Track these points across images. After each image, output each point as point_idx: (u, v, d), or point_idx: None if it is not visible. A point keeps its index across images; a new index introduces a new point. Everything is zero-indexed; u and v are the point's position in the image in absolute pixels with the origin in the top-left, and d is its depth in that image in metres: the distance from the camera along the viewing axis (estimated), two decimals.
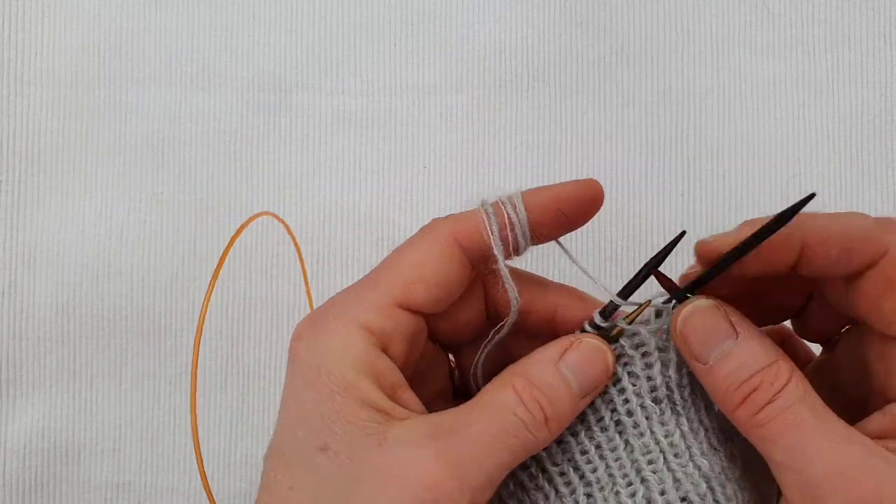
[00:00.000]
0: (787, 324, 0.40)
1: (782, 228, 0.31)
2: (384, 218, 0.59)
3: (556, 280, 0.40)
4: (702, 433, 0.34)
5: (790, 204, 0.30)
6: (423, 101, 0.59)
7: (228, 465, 0.58)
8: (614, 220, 0.58)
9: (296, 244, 0.55)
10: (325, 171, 0.59)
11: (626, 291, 0.35)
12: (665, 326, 0.35)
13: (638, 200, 0.58)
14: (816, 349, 0.40)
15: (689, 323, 0.33)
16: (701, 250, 0.35)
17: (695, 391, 0.35)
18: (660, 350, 0.35)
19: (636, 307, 0.35)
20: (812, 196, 0.30)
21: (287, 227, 0.55)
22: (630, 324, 0.35)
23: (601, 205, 0.36)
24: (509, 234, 0.35)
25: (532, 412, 0.32)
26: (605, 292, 0.36)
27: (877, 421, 0.32)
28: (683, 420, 0.34)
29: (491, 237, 0.34)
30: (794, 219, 0.31)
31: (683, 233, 0.35)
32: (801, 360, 0.39)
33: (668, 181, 0.59)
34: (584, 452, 0.35)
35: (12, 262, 0.58)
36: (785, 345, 0.39)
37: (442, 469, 0.30)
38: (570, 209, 0.36)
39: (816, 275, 0.33)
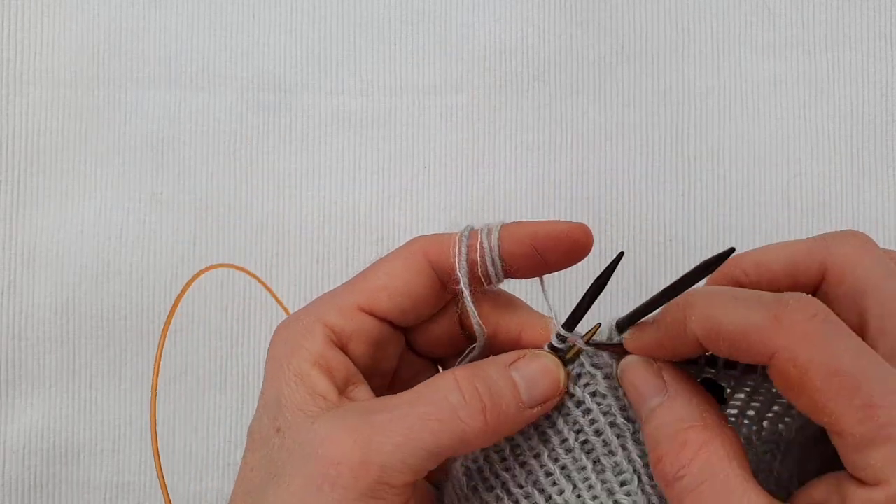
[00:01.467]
0: None
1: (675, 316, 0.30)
2: (384, 218, 0.59)
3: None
4: None
5: (720, 252, 0.29)
6: (423, 101, 0.59)
7: (228, 465, 0.58)
8: (614, 220, 0.58)
9: (267, 288, 0.56)
10: (325, 171, 0.59)
11: (571, 322, 0.35)
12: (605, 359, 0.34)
13: (638, 200, 0.58)
14: None
15: (625, 378, 0.33)
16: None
17: None
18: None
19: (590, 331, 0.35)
20: (732, 251, 0.29)
21: (253, 275, 0.56)
22: (587, 344, 0.34)
23: (587, 251, 0.36)
24: (478, 259, 0.35)
25: (467, 396, 0.32)
26: (557, 326, 0.35)
27: (821, 493, 0.29)
28: None
29: (457, 260, 0.35)
30: (686, 311, 0.30)
31: (621, 254, 0.33)
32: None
33: (668, 181, 0.59)
34: (548, 474, 0.34)
35: (12, 262, 0.58)
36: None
37: (350, 444, 0.31)
38: (546, 248, 0.35)
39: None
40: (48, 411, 0.58)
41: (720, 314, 0.29)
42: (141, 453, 0.58)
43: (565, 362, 0.35)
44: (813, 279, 0.32)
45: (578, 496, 0.34)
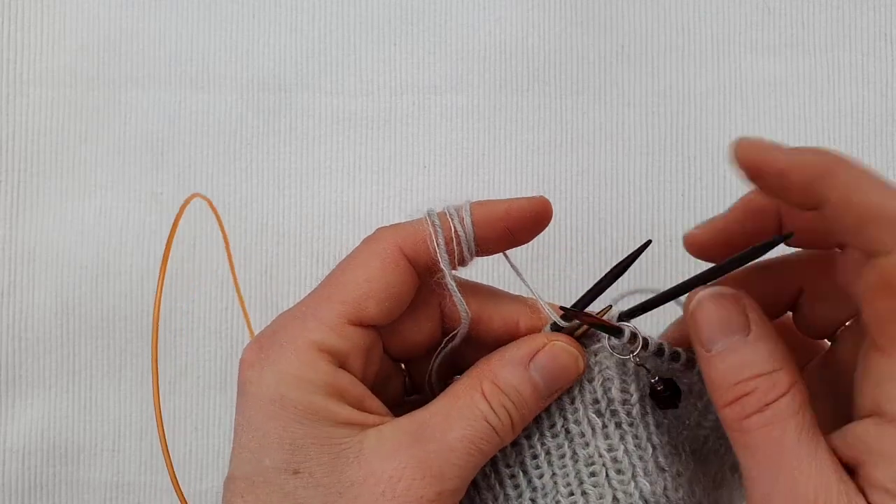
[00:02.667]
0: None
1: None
2: (384, 218, 0.59)
3: (514, 286, 0.40)
4: (649, 451, 0.34)
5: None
6: (424, 101, 0.59)
7: (228, 465, 0.58)
8: (614, 220, 0.58)
9: (221, 226, 0.56)
10: (325, 171, 0.59)
11: (585, 301, 0.35)
12: (607, 344, 0.35)
13: (638, 200, 0.58)
14: None
15: (702, 307, 0.32)
16: (689, 243, 0.35)
17: (645, 409, 0.35)
18: (603, 369, 0.35)
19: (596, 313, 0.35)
20: (791, 235, 0.30)
21: (214, 209, 0.55)
22: (588, 329, 0.35)
23: (548, 223, 0.36)
24: (455, 247, 0.35)
25: (501, 418, 0.33)
26: (548, 310, 0.36)
27: (839, 443, 0.31)
28: (629, 438, 0.34)
29: (438, 250, 0.35)
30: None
31: (649, 241, 0.35)
32: (807, 353, 0.39)
33: (668, 181, 0.59)
34: (534, 457, 0.35)
35: (12, 262, 0.58)
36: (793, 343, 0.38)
37: (429, 479, 0.31)
38: (517, 227, 0.35)
39: (802, 242, 0.32)
40: (48, 411, 0.58)
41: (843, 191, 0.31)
42: (141, 453, 0.58)
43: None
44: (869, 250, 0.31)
45: (554, 482, 0.35)
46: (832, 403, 0.33)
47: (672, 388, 0.35)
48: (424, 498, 0.31)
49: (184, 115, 0.59)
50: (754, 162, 0.32)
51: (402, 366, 0.41)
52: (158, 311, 0.48)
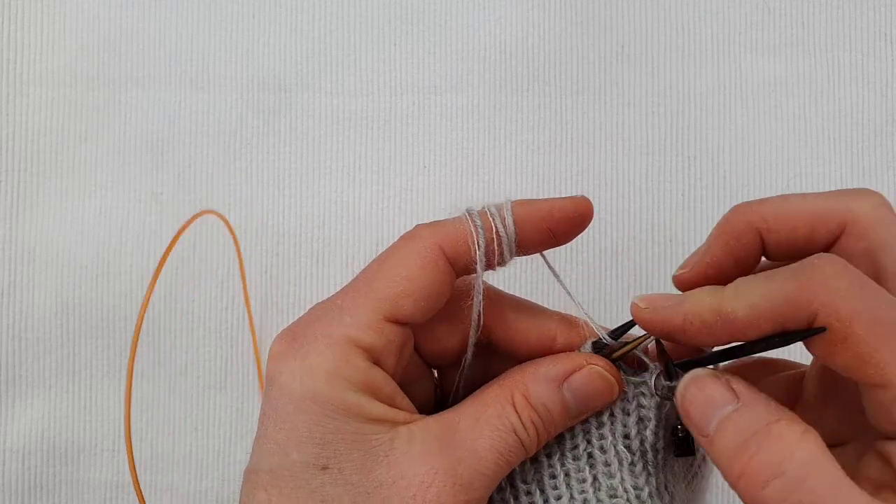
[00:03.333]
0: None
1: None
2: (384, 218, 0.59)
3: (542, 291, 0.39)
4: (666, 499, 0.34)
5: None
6: (424, 101, 0.59)
7: (228, 465, 0.58)
8: (615, 220, 0.58)
9: (236, 243, 0.56)
10: (325, 171, 0.59)
11: (619, 331, 0.35)
12: (652, 384, 0.34)
13: (638, 200, 0.58)
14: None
15: (688, 393, 0.32)
16: (678, 283, 0.35)
17: (667, 458, 0.35)
18: (639, 405, 0.34)
19: (632, 340, 0.35)
20: (823, 330, 0.28)
21: (229, 226, 0.55)
22: (617, 357, 0.34)
23: (589, 222, 0.35)
24: (496, 247, 0.34)
25: (529, 431, 0.33)
26: (585, 315, 0.36)
27: (875, 466, 0.30)
28: (653, 480, 0.34)
29: (477, 251, 0.34)
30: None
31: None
32: (790, 382, 0.38)
33: (668, 181, 0.59)
34: (553, 477, 0.35)
35: (12, 262, 0.58)
36: (769, 369, 0.38)
37: (458, 486, 0.31)
38: (560, 227, 0.35)
39: (786, 257, 0.32)
40: (48, 411, 0.58)
41: (758, 295, 0.29)
42: (141, 453, 0.58)
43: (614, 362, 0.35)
44: (832, 233, 0.31)
45: (571, 499, 0.34)
46: (829, 410, 0.33)
47: (685, 443, 0.35)
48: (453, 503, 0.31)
49: (184, 115, 0.59)
50: (656, 324, 0.32)
51: (435, 374, 0.40)
52: (143, 316, 0.48)
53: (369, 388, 0.33)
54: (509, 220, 0.34)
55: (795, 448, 0.27)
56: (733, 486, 0.29)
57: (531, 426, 0.33)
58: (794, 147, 0.59)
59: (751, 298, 0.29)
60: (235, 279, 0.58)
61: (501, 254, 0.34)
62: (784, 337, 0.29)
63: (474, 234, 0.34)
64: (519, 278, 0.57)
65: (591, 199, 0.58)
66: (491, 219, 0.34)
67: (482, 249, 0.34)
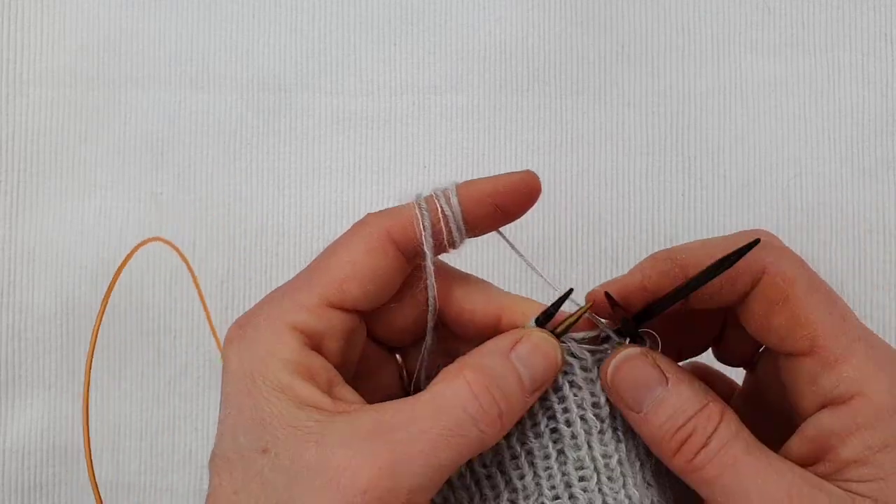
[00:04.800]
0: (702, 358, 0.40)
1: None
2: None
3: (515, 273, 0.39)
4: (638, 465, 0.34)
5: (740, 248, 0.31)
6: (424, 101, 0.59)
7: None
8: (614, 220, 0.58)
9: (189, 269, 0.54)
10: (325, 171, 0.59)
11: (555, 306, 0.35)
12: (609, 349, 0.34)
13: (638, 200, 0.58)
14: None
15: (619, 373, 0.33)
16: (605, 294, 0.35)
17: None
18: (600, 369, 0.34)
19: (576, 313, 0.35)
20: (757, 242, 0.31)
21: (180, 252, 0.53)
22: (571, 324, 0.34)
23: (538, 197, 0.35)
24: (443, 228, 0.34)
25: (485, 406, 0.31)
26: (548, 284, 0.36)
27: (797, 444, 0.32)
28: (622, 447, 0.34)
29: (423, 234, 0.34)
30: (673, 254, 0.32)
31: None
32: (724, 391, 0.40)
33: (668, 181, 0.59)
34: (514, 457, 0.34)
35: (12, 262, 0.58)
36: (707, 379, 0.39)
37: (376, 471, 0.29)
38: (506, 203, 0.35)
39: (709, 306, 0.33)
40: (48, 411, 0.58)
41: (711, 251, 0.31)
42: (141, 453, 0.58)
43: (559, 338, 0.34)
44: (751, 278, 0.32)
45: (537, 483, 0.34)
46: (766, 423, 0.34)
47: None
48: (370, 493, 0.29)
49: (184, 115, 0.59)
50: (619, 292, 0.34)
51: (399, 359, 0.40)
52: (101, 319, 0.47)
53: (305, 371, 0.32)
54: (454, 201, 0.34)
55: (720, 421, 0.31)
56: (667, 460, 0.32)
57: (487, 395, 0.31)
58: (794, 147, 0.59)
59: (705, 251, 0.32)
60: (235, 278, 0.58)
61: (451, 234, 0.34)
62: (727, 260, 0.31)
63: (419, 217, 0.34)
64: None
65: (590, 199, 0.59)
66: (437, 201, 0.34)
67: (428, 231, 0.34)
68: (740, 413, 0.33)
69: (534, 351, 0.33)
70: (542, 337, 0.34)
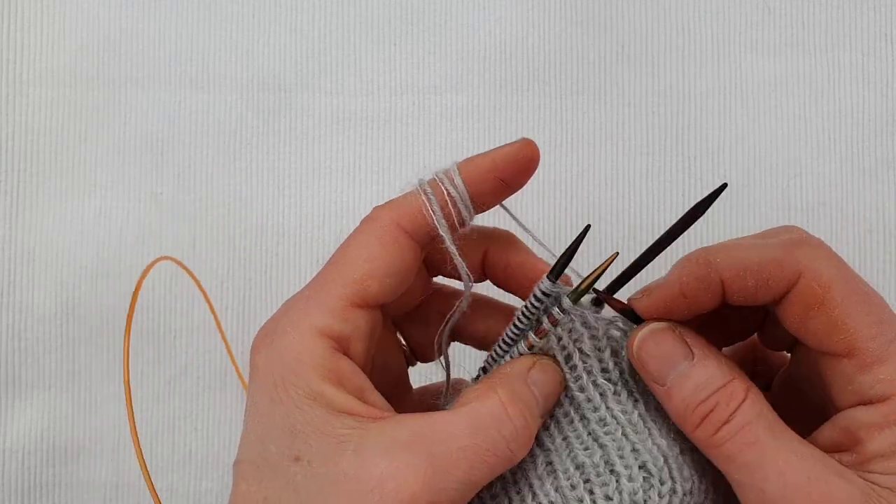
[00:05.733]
0: None
1: (698, 255, 0.32)
2: None
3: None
4: (661, 420, 0.34)
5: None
6: (424, 101, 0.59)
7: (228, 465, 0.58)
8: (614, 220, 0.58)
9: (201, 289, 0.54)
10: (324, 171, 0.59)
11: (554, 275, 0.35)
12: (621, 325, 0.35)
13: (638, 200, 0.58)
14: None
15: (646, 346, 0.33)
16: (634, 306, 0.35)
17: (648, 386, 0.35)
18: (609, 338, 0.35)
19: (583, 277, 0.35)
20: (724, 186, 0.31)
21: (191, 273, 0.54)
22: (583, 292, 0.35)
23: (538, 164, 0.36)
24: (452, 209, 0.35)
25: (518, 428, 0.32)
26: (553, 256, 0.37)
27: (827, 432, 0.32)
28: (641, 405, 0.35)
29: (434, 218, 0.34)
30: (709, 257, 0.32)
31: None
32: (774, 368, 0.40)
33: (668, 181, 0.59)
34: (545, 427, 0.35)
35: (12, 262, 0.58)
36: (758, 356, 0.40)
37: (421, 483, 0.30)
38: (508, 175, 0.36)
39: (746, 304, 0.33)
40: (48, 411, 0.58)
41: (746, 254, 0.31)
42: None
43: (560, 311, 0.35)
44: (786, 281, 0.32)
45: (567, 443, 0.35)
46: (801, 408, 0.34)
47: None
48: (414, 502, 0.29)
49: (184, 115, 0.59)
50: (658, 303, 0.34)
51: (403, 343, 0.40)
52: (129, 325, 0.47)
53: (335, 376, 0.32)
54: (458, 181, 0.35)
55: (744, 399, 0.31)
56: (689, 433, 0.32)
57: (521, 419, 0.32)
58: (794, 147, 0.59)
59: (739, 255, 0.32)
60: (235, 278, 0.58)
61: (459, 214, 0.35)
62: (695, 212, 0.32)
63: (426, 202, 0.34)
64: None
65: (590, 198, 0.59)
66: (441, 184, 0.35)
67: (439, 214, 0.34)
68: (778, 394, 0.33)
69: (544, 376, 0.34)
70: (550, 363, 0.35)
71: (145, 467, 0.41)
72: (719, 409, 0.31)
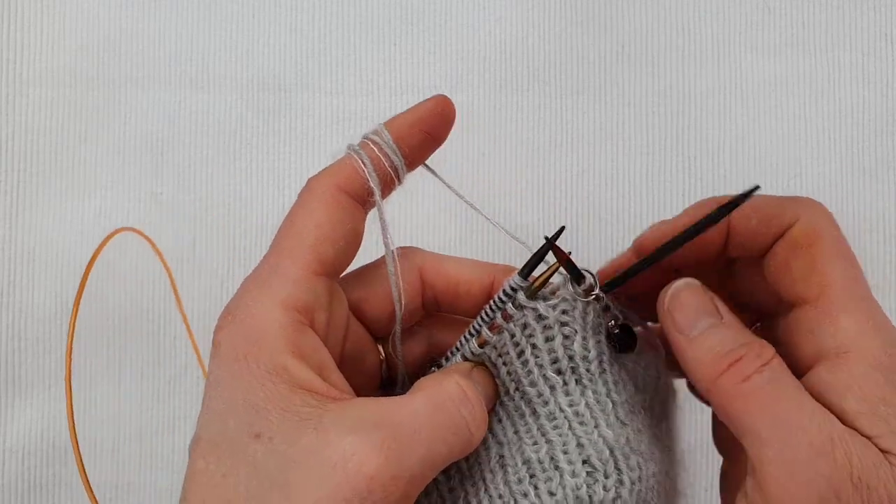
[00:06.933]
0: None
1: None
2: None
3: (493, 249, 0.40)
4: (609, 406, 0.35)
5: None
6: None
7: None
8: (614, 220, 0.58)
9: (163, 261, 0.54)
10: None
11: (526, 270, 0.36)
12: (570, 298, 0.35)
13: (638, 200, 0.58)
14: None
15: (678, 297, 0.34)
16: (638, 244, 0.36)
17: (603, 366, 0.36)
18: (562, 324, 0.35)
19: (543, 274, 0.36)
20: (756, 188, 0.32)
21: (152, 243, 0.54)
22: (537, 288, 0.35)
23: (454, 117, 0.38)
24: (385, 163, 0.36)
25: (476, 408, 0.33)
26: (518, 242, 0.38)
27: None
28: (589, 392, 0.35)
29: (366, 172, 0.36)
30: (719, 199, 0.33)
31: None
32: None
33: (668, 181, 0.59)
34: (499, 421, 0.36)
35: (12, 262, 0.58)
36: None
37: (383, 459, 0.30)
38: (431, 127, 0.38)
39: (742, 252, 0.35)
40: (48, 411, 0.58)
41: (754, 199, 0.33)
42: (141, 453, 0.58)
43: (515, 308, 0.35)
44: (785, 223, 0.34)
45: (518, 436, 0.36)
46: None
47: (628, 331, 0.36)
48: (376, 479, 0.29)
49: (184, 115, 0.59)
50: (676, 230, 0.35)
51: (381, 352, 0.41)
52: (75, 316, 0.47)
53: (298, 351, 0.32)
54: (386, 136, 0.36)
55: (773, 356, 0.32)
56: (711, 379, 0.32)
57: (481, 407, 0.33)
58: (794, 147, 0.59)
59: (751, 206, 0.33)
60: (235, 279, 0.58)
61: (394, 167, 0.36)
62: (727, 207, 0.33)
63: (359, 160, 0.36)
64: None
65: (590, 198, 0.59)
66: (371, 143, 0.36)
67: (370, 169, 0.36)
68: None
69: (485, 378, 0.36)
70: (486, 369, 0.36)
71: (79, 457, 0.41)
72: (748, 359, 0.31)
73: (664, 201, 0.59)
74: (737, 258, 0.37)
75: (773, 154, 0.59)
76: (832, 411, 0.31)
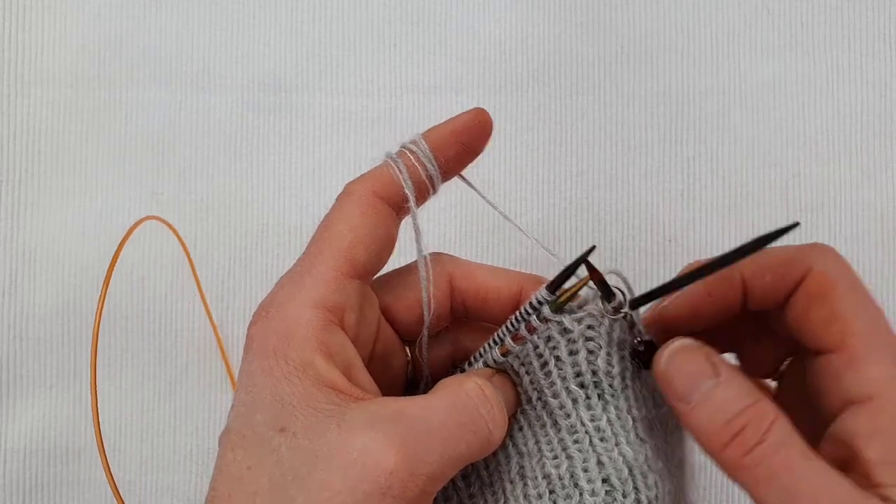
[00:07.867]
0: None
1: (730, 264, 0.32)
2: None
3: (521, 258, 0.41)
4: (629, 423, 0.35)
5: (774, 228, 0.31)
6: (424, 102, 0.59)
7: None
8: (614, 220, 0.58)
9: (183, 246, 0.56)
10: (325, 171, 0.59)
11: (554, 285, 0.36)
12: (596, 314, 0.35)
13: (638, 200, 0.58)
14: None
15: (673, 363, 0.33)
16: (657, 318, 0.36)
17: (626, 381, 0.36)
18: (587, 338, 0.35)
19: (570, 288, 0.36)
20: (796, 225, 0.31)
21: (174, 230, 0.55)
22: (563, 302, 0.35)
23: (492, 130, 0.39)
24: (421, 172, 0.37)
25: (496, 409, 0.34)
26: (550, 255, 0.39)
27: (826, 450, 0.32)
28: (611, 408, 0.35)
29: (402, 180, 0.36)
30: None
31: (593, 247, 0.36)
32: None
33: (668, 181, 0.59)
34: (520, 429, 0.37)
35: (12, 262, 0.58)
36: None
37: (402, 455, 0.30)
38: (468, 139, 0.38)
39: (761, 306, 0.35)
40: (48, 411, 0.58)
41: (763, 255, 0.33)
42: (141, 453, 0.58)
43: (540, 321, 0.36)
44: (797, 276, 0.34)
45: (539, 448, 0.36)
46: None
47: (652, 347, 0.36)
48: (395, 474, 0.30)
49: (184, 115, 0.59)
50: (684, 302, 0.36)
51: (408, 353, 0.41)
52: (99, 316, 0.48)
53: (326, 350, 0.33)
54: (423, 145, 0.37)
55: (775, 420, 0.31)
56: (716, 452, 0.32)
57: (500, 407, 0.34)
58: (793, 147, 0.59)
59: (758, 256, 0.32)
60: (235, 278, 0.58)
61: (429, 176, 0.37)
62: (761, 240, 0.32)
63: (395, 168, 0.36)
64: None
65: (590, 198, 0.59)
66: (408, 152, 0.37)
67: (406, 177, 0.36)
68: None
69: (506, 385, 0.36)
70: (507, 376, 0.37)
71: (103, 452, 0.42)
72: (750, 428, 0.31)
73: (664, 201, 0.59)
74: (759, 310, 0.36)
75: (773, 154, 0.59)
76: (856, 459, 0.31)
